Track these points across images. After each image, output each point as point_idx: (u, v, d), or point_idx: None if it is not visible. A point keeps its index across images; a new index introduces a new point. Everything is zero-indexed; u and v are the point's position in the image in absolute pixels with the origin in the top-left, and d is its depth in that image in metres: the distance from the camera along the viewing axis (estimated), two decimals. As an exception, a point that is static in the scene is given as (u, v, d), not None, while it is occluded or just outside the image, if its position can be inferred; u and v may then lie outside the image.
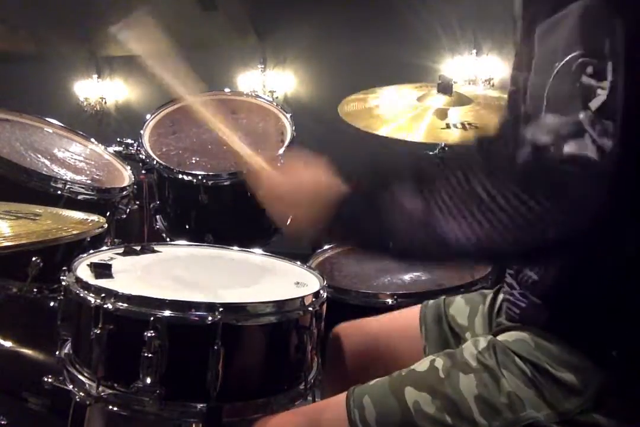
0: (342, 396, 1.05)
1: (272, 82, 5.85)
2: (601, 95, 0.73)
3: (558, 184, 0.73)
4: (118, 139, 2.26)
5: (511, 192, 0.75)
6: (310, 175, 1.02)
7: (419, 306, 1.31)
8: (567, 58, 0.75)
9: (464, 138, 2.09)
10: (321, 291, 1.24)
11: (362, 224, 0.92)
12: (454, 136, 2.11)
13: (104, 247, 1.47)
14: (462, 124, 2.13)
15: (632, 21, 0.74)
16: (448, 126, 2.13)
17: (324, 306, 1.25)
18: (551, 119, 0.74)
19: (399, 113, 2.27)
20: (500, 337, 1.01)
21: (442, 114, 2.19)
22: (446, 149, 2.53)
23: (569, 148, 0.72)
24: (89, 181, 1.93)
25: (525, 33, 0.86)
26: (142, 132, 2.13)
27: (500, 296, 1.21)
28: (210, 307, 1.09)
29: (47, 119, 2.13)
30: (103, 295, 1.11)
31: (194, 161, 2.07)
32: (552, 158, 0.73)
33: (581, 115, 0.72)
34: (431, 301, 1.30)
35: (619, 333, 0.90)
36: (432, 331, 1.25)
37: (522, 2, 0.89)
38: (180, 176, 1.98)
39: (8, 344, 1.58)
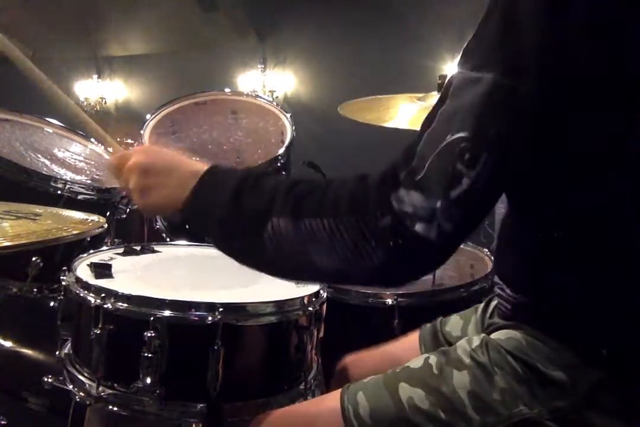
0: (336, 393, 1.06)
1: (272, 82, 5.85)
2: (463, 186, 0.76)
3: (398, 246, 0.79)
4: (118, 139, 2.26)
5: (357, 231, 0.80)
6: (166, 149, 1.01)
7: (418, 331, 1.33)
8: (455, 137, 0.76)
9: None
10: (321, 291, 1.25)
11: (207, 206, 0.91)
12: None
13: (104, 247, 1.47)
14: None
15: (527, 117, 0.75)
16: None
17: (324, 306, 1.25)
18: (415, 197, 0.77)
19: (400, 113, 2.28)
20: (493, 336, 1.02)
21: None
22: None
23: (418, 227, 0.77)
24: (89, 181, 1.93)
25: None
26: (142, 132, 2.13)
27: (492, 304, 1.23)
28: (210, 307, 1.09)
29: (47, 119, 2.13)
30: (103, 295, 1.11)
31: (194, 161, 2.07)
32: (405, 228, 0.77)
33: (438, 204, 0.76)
34: (428, 324, 1.33)
35: (609, 331, 0.90)
36: (429, 347, 1.27)
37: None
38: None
39: (8, 344, 1.59)
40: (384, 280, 0.87)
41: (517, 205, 0.94)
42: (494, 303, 1.23)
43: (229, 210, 0.89)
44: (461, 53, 0.82)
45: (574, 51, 0.74)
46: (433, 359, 1.04)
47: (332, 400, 1.05)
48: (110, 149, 1.11)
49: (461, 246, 2.12)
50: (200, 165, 0.93)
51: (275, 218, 0.84)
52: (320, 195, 0.84)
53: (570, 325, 0.92)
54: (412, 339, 1.33)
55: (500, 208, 0.99)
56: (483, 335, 1.04)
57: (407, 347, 1.32)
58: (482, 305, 1.27)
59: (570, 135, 0.78)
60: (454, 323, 1.30)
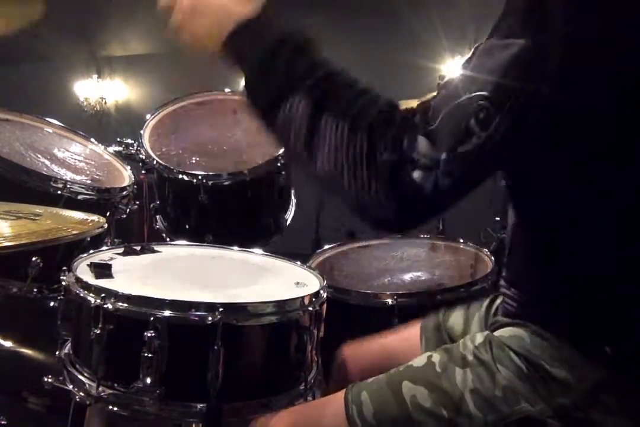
0: (340, 393, 1.06)
1: (272, 82, 5.85)
2: (471, 144, 0.76)
3: (398, 190, 0.80)
4: (118, 139, 2.26)
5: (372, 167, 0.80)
6: None
7: (419, 322, 1.33)
8: (474, 94, 0.77)
9: None
10: (321, 291, 1.25)
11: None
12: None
13: (104, 247, 1.47)
14: None
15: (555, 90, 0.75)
16: None
17: (324, 306, 1.25)
18: (424, 144, 0.78)
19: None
20: (496, 333, 1.03)
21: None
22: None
23: (416, 174, 0.78)
24: (89, 181, 1.93)
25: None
26: (142, 132, 2.13)
27: (498, 301, 1.23)
28: (211, 307, 1.09)
29: (47, 119, 2.13)
30: (103, 295, 1.11)
31: (194, 161, 2.07)
32: (404, 170, 0.79)
33: (443, 156, 0.77)
34: (431, 317, 1.33)
35: (613, 330, 0.91)
36: (431, 339, 1.27)
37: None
38: (180, 176, 1.98)
39: (8, 344, 1.59)
40: (370, 210, 0.84)
41: (521, 203, 0.94)
42: (498, 301, 1.23)
43: (261, 63, 0.90)
44: (491, 30, 0.82)
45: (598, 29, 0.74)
46: (436, 357, 1.04)
47: (336, 400, 1.05)
48: None
49: (461, 246, 2.13)
50: (244, 8, 0.93)
51: (298, 97, 0.85)
52: (350, 99, 0.84)
53: (575, 323, 0.93)
54: (413, 332, 1.32)
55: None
56: (487, 332, 1.04)
57: (407, 340, 1.31)
58: (486, 302, 1.26)
59: (590, 115, 0.78)
60: (456, 318, 1.29)
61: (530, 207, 0.94)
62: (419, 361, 1.06)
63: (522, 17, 0.77)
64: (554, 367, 0.93)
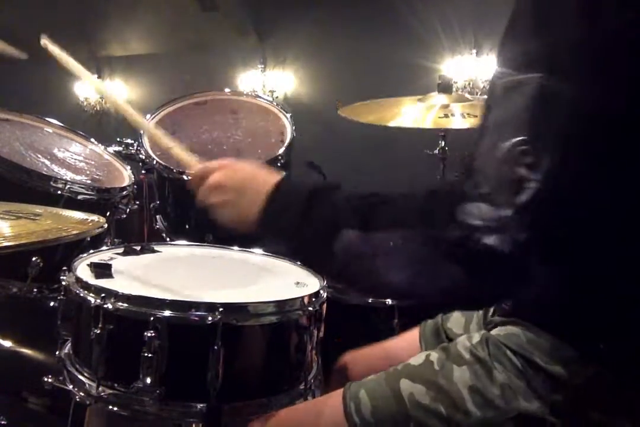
0: (338, 391, 1.07)
1: (272, 82, 5.85)
2: (528, 190, 0.75)
3: (474, 263, 0.79)
4: (118, 139, 2.25)
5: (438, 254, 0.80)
6: (247, 165, 1.05)
7: (418, 327, 1.34)
8: (513, 141, 0.76)
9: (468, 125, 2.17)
10: (321, 291, 1.25)
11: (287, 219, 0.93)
12: (454, 123, 2.20)
13: (104, 247, 1.47)
14: (462, 114, 2.21)
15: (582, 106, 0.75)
16: (447, 115, 2.21)
17: (324, 306, 1.25)
18: (485, 208, 0.77)
19: (400, 114, 2.29)
20: (492, 332, 1.04)
21: (444, 109, 2.25)
22: (446, 149, 2.55)
23: (489, 240, 0.76)
24: (89, 181, 1.92)
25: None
26: (142, 132, 2.13)
27: None
28: (211, 307, 1.09)
29: (47, 119, 2.12)
30: (103, 295, 1.11)
31: (194, 161, 2.07)
32: (474, 241, 0.77)
33: (507, 213, 0.76)
34: (429, 321, 1.34)
35: (607, 326, 0.91)
36: (431, 344, 1.28)
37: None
38: (180, 176, 1.98)
39: (8, 344, 1.59)
40: (462, 295, 0.84)
41: None
42: None
43: (299, 226, 0.91)
44: (498, 59, 0.82)
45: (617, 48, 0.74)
46: (434, 356, 1.05)
47: (334, 398, 1.06)
48: (189, 167, 1.15)
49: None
50: (271, 180, 0.97)
51: (345, 230, 0.85)
52: (391, 208, 0.85)
53: (568, 320, 0.93)
54: (412, 336, 1.33)
55: None
56: (483, 331, 1.06)
57: (407, 344, 1.33)
58: None
59: (629, 133, 0.77)
60: (455, 320, 1.30)
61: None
62: (417, 359, 1.07)
63: (531, 48, 0.77)
64: (548, 364, 0.94)
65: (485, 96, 0.84)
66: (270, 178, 1.00)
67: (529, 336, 0.97)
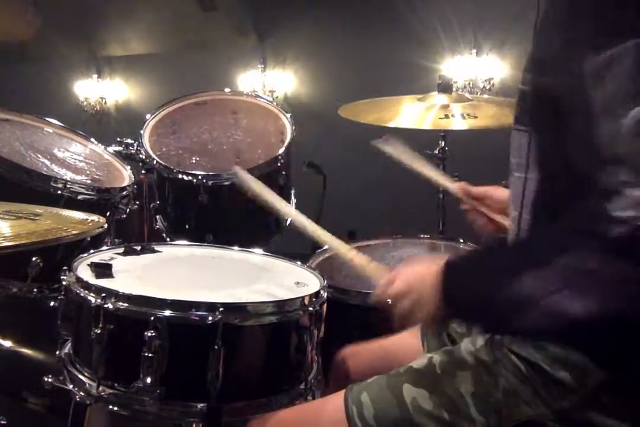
0: (340, 394, 1.06)
1: (272, 82, 5.85)
2: None
3: None
4: (118, 139, 2.26)
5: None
6: (417, 266, 1.04)
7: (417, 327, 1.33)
8: (632, 113, 0.74)
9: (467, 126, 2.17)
10: (321, 291, 1.25)
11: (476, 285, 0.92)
12: (455, 124, 2.20)
13: (104, 247, 1.47)
14: (462, 115, 2.20)
15: None
16: (447, 116, 2.20)
17: (324, 306, 1.25)
18: (638, 193, 0.74)
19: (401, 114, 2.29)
20: (497, 336, 1.02)
21: (444, 109, 2.25)
22: (446, 149, 2.55)
23: None
24: (89, 181, 1.92)
25: (564, 58, 0.83)
26: (142, 132, 2.13)
27: None
28: (211, 307, 1.09)
29: (47, 119, 2.13)
30: (103, 295, 1.11)
31: (194, 161, 2.07)
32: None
33: None
34: None
35: (615, 332, 0.90)
36: (432, 341, 1.27)
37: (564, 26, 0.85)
38: (180, 176, 1.98)
39: (8, 344, 1.59)
40: None
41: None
42: None
43: (484, 308, 0.89)
44: (565, 46, 0.81)
45: None
46: (437, 359, 1.04)
47: (335, 400, 1.05)
48: (372, 275, 1.18)
49: (461, 246, 2.13)
50: (435, 268, 0.95)
51: (507, 283, 0.83)
52: (545, 242, 0.83)
53: (577, 325, 0.92)
54: (413, 334, 1.32)
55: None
56: (488, 335, 1.04)
57: (407, 339, 1.32)
58: None
59: None
60: None
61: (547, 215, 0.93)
62: (420, 362, 1.06)
63: (618, 18, 0.76)
64: (555, 370, 0.92)
65: (560, 88, 0.82)
66: (434, 268, 0.97)
67: (534, 340, 0.96)
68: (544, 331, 0.87)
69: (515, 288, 0.82)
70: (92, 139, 2.18)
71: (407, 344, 1.31)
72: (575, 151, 0.84)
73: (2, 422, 1.50)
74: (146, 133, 2.14)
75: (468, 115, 2.20)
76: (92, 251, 1.37)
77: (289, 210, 1.35)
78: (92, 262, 1.27)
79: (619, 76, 0.75)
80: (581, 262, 0.78)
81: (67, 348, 1.24)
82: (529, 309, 0.82)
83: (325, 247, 1.92)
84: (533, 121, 0.95)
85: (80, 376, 1.16)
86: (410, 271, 1.03)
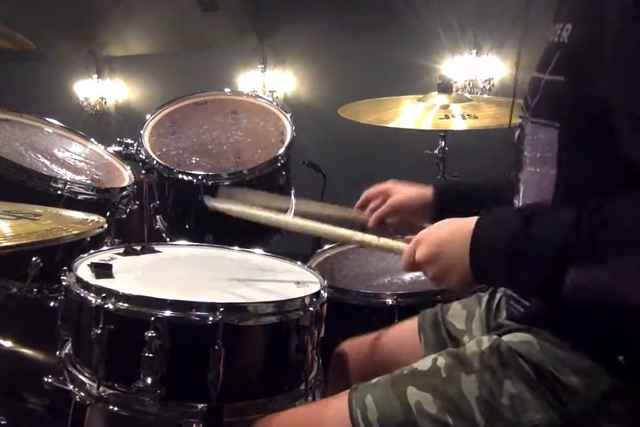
0: (343, 395, 1.05)
1: (272, 82, 5.85)
2: None
3: None
4: (118, 139, 2.26)
5: None
6: (440, 226, 0.99)
7: (417, 317, 1.32)
8: None
9: (467, 126, 2.16)
10: (322, 291, 1.24)
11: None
12: (455, 124, 2.20)
13: (104, 247, 1.47)
14: (462, 115, 2.20)
15: None
16: (447, 117, 2.20)
17: (325, 306, 1.24)
18: None
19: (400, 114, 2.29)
20: (504, 338, 1.01)
21: (444, 109, 2.25)
22: (446, 149, 2.55)
23: None
24: (89, 181, 1.92)
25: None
26: (142, 132, 2.13)
27: (497, 296, 1.21)
28: (211, 307, 1.09)
29: (47, 119, 2.12)
30: (104, 295, 1.11)
31: (194, 161, 2.07)
32: None
33: None
34: (428, 310, 1.32)
35: (627, 338, 0.89)
36: (431, 338, 1.26)
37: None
38: (180, 176, 1.98)
39: (8, 344, 1.59)
40: None
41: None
42: (498, 295, 1.21)
43: (512, 269, 0.87)
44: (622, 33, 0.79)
45: None
46: (441, 362, 1.02)
47: (339, 403, 1.04)
48: (389, 249, 1.12)
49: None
50: (466, 235, 0.91)
51: (574, 268, 0.81)
52: (616, 227, 0.79)
53: (588, 331, 0.91)
54: (411, 325, 1.31)
55: None
56: (494, 337, 1.02)
57: (405, 333, 1.30)
58: (486, 297, 1.24)
59: None
60: (456, 312, 1.27)
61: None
62: (424, 364, 1.04)
63: None
64: (564, 375, 0.91)
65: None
66: (465, 227, 0.93)
67: (544, 344, 0.95)
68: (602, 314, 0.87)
69: (577, 275, 0.80)
70: (92, 139, 2.18)
71: (406, 340, 1.29)
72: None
73: (2, 422, 1.49)
74: (146, 133, 2.14)
75: (468, 115, 2.20)
76: (92, 251, 1.37)
77: (281, 219, 1.31)
78: (92, 263, 1.27)
79: None
80: None
81: (67, 348, 1.24)
82: (592, 296, 0.81)
83: (325, 247, 1.92)
84: (566, 117, 0.91)
85: (81, 377, 1.16)
86: (436, 234, 0.98)
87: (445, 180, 1.32)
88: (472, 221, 0.93)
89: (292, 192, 2.20)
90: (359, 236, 1.15)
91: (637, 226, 0.78)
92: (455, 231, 0.95)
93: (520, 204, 1.02)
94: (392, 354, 1.19)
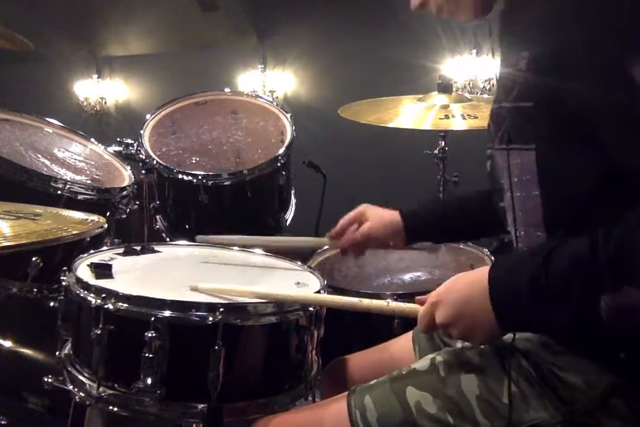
0: (342, 396, 1.05)
1: (272, 82, 5.85)
2: None
3: None
4: (118, 139, 2.26)
5: None
6: (455, 284, 0.97)
7: (411, 331, 1.32)
8: None
9: (467, 126, 2.16)
10: (321, 291, 1.24)
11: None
12: (455, 124, 2.20)
13: (104, 247, 1.47)
14: (462, 115, 2.20)
15: None
16: (447, 117, 2.20)
17: (324, 307, 1.24)
18: None
19: (400, 114, 2.29)
20: (504, 337, 1.01)
21: (444, 109, 2.25)
22: (446, 149, 2.55)
23: None
24: (89, 181, 1.92)
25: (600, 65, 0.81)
26: (142, 132, 2.13)
27: None
28: (211, 307, 1.09)
29: (47, 119, 2.13)
30: (103, 295, 1.11)
31: (194, 161, 2.07)
32: None
33: None
34: None
35: (628, 335, 0.89)
36: (425, 347, 1.25)
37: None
38: (180, 176, 1.98)
39: (8, 344, 1.58)
40: None
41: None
42: None
43: (541, 312, 0.85)
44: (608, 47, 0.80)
45: None
46: (440, 361, 1.02)
47: (338, 404, 1.04)
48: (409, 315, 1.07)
49: (461, 246, 2.13)
50: (482, 285, 0.89)
51: (606, 294, 0.80)
52: (633, 247, 0.78)
53: (590, 328, 0.91)
54: (405, 340, 1.31)
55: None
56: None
57: (400, 348, 1.30)
58: None
59: None
60: None
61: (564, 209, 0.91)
62: (422, 364, 1.04)
63: None
64: (564, 372, 0.91)
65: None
66: (480, 281, 0.91)
67: (543, 341, 0.95)
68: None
69: (611, 300, 0.79)
70: (92, 139, 2.18)
71: (399, 352, 1.29)
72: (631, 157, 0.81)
73: (2, 422, 1.49)
74: (146, 133, 2.14)
75: (468, 115, 2.20)
76: (92, 251, 1.37)
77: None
78: (92, 263, 1.27)
79: None
80: None
81: (67, 349, 1.24)
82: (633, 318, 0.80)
83: (326, 247, 1.92)
84: (541, 137, 0.91)
85: (80, 377, 1.16)
86: (452, 294, 0.95)
87: (408, 208, 1.35)
88: (483, 273, 0.91)
89: (292, 192, 2.20)
90: (365, 302, 1.10)
91: None
92: (472, 287, 0.93)
93: (514, 231, 1.01)
94: (389, 370, 1.19)
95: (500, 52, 1.00)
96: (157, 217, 2.14)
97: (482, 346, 1.01)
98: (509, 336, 0.99)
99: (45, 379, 1.21)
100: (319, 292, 1.23)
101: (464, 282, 0.95)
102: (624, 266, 0.78)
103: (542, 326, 0.88)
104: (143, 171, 2.14)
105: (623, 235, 0.79)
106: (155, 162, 2.02)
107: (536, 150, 0.92)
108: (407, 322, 1.52)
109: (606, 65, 0.80)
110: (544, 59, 0.87)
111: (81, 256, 1.32)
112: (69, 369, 1.20)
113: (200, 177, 1.95)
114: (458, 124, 2.19)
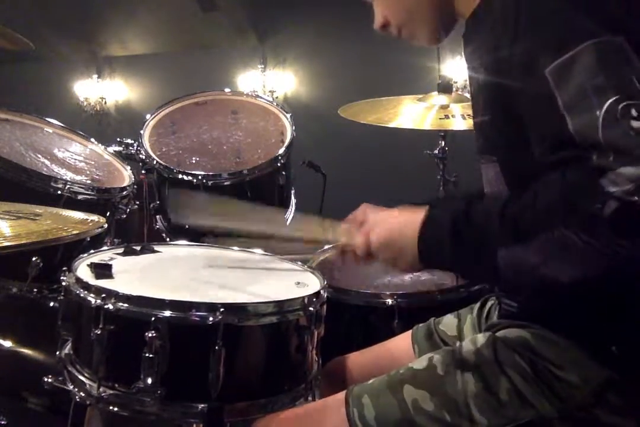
0: (341, 395, 1.06)
1: (272, 82, 5.85)
2: None
3: None
4: (118, 139, 2.26)
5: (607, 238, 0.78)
6: (386, 215, 1.05)
7: (410, 331, 1.33)
8: (606, 106, 0.77)
9: (467, 126, 2.17)
10: (322, 291, 1.24)
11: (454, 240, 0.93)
12: (455, 124, 2.20)
13: (104, 247, 1.47)
14: (462, 115, 2.21)
15: None
16: (447, 117, 2.21)
17: (324, 306, 1.24)
18: (628, 170, 0.76)
19: (401, 114, 2.29)
20: (499, 334, 1.02)
21: (444, 109, 2.25)
22: (446, 149, 2.55)
23: None
24: (89, 181, 1.92)
25: (526, 70, 0.86)
26: (142, 132, 2.13)
27: (488, 304, 1.23)
28: (211, 307, 1.09)
29: (47, 119, 2.13)
30: (103, 295, 1.11)
31: (194, 161, 2.07)
32: (634, 204, 0.76)
33: None
34: (421, 325, 1.33)
35: (619, 329, 0.90)
36: (424, 347, 1.26)
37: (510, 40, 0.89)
38: (180, 176, 1.98)
39: (8, 344, 1.58)
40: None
41: None
42: (489, 304, 1.23)
43: (454, 254, 0.92)
44: (524, 54, 0.86)
45: None
46: (437, 359, 1.03)
47: (336, 402, 1.05)
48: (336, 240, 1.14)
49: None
50: (416, 220, 0.97)
51: (501, 248, 0.86)
52: (532, 212, 0.84)
53: (580, 323, 0.92)
54: (405, 340, 1.32)
55: None
56: (489, 333, 1.04)
57: (399, 349, 1.31)
58: (477, 305, 1.26)
59: None
60: (448, 322, 1.29)
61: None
62: (420, 363, 1.05)
63: (574, 18, 0.82)
64: (559, 369, 0.92)
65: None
66: (414, 219, 0.98)
67: (538, 338, 0.96)
68: (531, 292, 0.92)
69: (506, 255, 0.85)
70: (92, 139, 2.18)
71: (398, 351, 1.29)
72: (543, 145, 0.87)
73: (2, 422, 1.49)
74: (146, 133, 2.14)
75: (468, 115, 2.20)
76: (92, 251, 1.37)
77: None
78: (92, 263, 1.27)
79: (583, 73, 0.79)
80: (572, 235, 0.79)
81: (67, 349, 1.24)
82: (521, 274, 0.85)
83: (326, 247, 1.92)
84: (498, 148, 1.00)
85: (81, 377, 1.16)
86: (385, 224, 1.02)
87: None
88: (420, 214, 0.98)
89: (292, 192, 2.20)
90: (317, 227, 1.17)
91: (547, 208, 0.83)
92: (409, 219, 0.99)
93: None
94: (388, 368, 1.19)
95: (467, 69, 1.11)
96: (157, 217, 2.14)
97: (479, 346, 1.02)
98: (503, 335, 1.00)
99: (45, 379, 1.21)
100: (318, 292, 1.23)
101: (396, 217, 1.03)
102: (520, 230, 0.85)
103: (453, 264, 0.97)
104: (143, 171, 2.14)
105: (527, 203, 0.86)
106: (155, 162, 2.02)
107: (498, 162, 1.01)
108: (407, 322, 1.52)
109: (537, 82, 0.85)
110: (489, 79, 0.97)
111: (81, 255, 1.32)
112: (69, 369, 1.20)
113: (200, 177, 1.95)
114: (458, 124, 2.19)
